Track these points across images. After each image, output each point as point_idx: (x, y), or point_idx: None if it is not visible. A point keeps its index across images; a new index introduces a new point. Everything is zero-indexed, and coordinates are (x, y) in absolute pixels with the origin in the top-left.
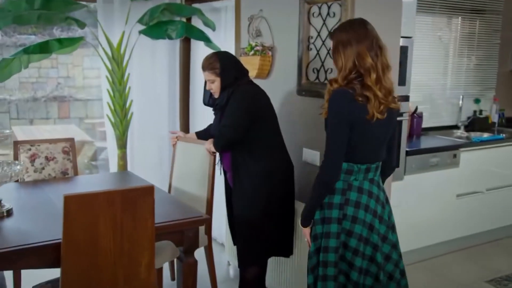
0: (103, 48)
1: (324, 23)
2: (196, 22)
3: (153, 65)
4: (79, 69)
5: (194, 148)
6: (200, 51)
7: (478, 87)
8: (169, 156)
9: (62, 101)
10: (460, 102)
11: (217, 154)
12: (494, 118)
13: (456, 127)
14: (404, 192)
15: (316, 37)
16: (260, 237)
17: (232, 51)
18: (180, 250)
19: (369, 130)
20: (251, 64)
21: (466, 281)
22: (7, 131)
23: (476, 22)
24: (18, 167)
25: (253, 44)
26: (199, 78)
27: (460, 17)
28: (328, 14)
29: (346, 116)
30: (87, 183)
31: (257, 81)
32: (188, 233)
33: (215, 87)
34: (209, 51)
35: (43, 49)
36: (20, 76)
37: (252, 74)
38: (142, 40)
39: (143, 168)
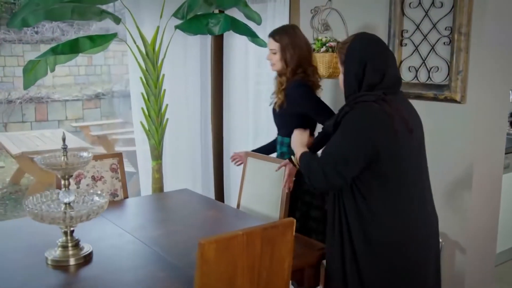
0: (137, 46)
1: (426, 14)
2: (234, 15)
3: (185, 64)
4: None
5: (266, 166)
6: (235, 48)
7: None
8: (201, 164)
9: (39, 103)
10: None
11: None
12: None
13: None
14: None
15: (414, 31)
16: None
17: None
18: None
19: None
20: (322, 62)
21: None
22: None
23: None
24: (102, 199)
25: (324, 39)
26: (233, 78)
27: None
28: (433, 3)
29: None
30: (160, 209)
31: (329, 82)
32: (309, 271)
33: (340, 82)
34: (249, 47)
35: (74, 48)
36: None
37: (324, 73)
38: (174, 37)
39: (176, 181)
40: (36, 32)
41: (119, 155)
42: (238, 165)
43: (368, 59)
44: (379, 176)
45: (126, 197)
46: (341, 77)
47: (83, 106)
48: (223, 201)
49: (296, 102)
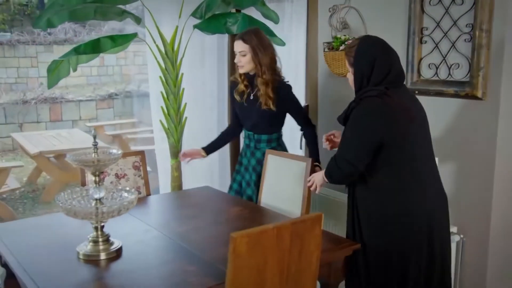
0: (157, 46)
1: (446, 12)
2: (252, 14)
3: (202, 63)
4: None
5: (286, 163)
6: None
7: None
8: (219, 162)
9: (54, 103)
10: None
11: None
12: None
13: None
14: None
15: (434, 29)
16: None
17: (300, 45)
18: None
19: None
20: (340, 61)
21: None
22: None
23: None
24: (131, 195)
25: (343, 38)
26: None
27: None
28: (453, 1)
29: None
30: (184, 206)
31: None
32: (336, 265)
33: (350, 82)
34: None
35: (96, 48)
36: None
37: (342, 71)
38: (192, 36)
39: (194, 179)
40: (49, 33)
41: (141, 153)
42: (188, 162)
43: (376, 59)
44: (384, 161)
45: (148, 194)
46: (350, 77)
47: (97, 106)
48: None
49: (288, 102)
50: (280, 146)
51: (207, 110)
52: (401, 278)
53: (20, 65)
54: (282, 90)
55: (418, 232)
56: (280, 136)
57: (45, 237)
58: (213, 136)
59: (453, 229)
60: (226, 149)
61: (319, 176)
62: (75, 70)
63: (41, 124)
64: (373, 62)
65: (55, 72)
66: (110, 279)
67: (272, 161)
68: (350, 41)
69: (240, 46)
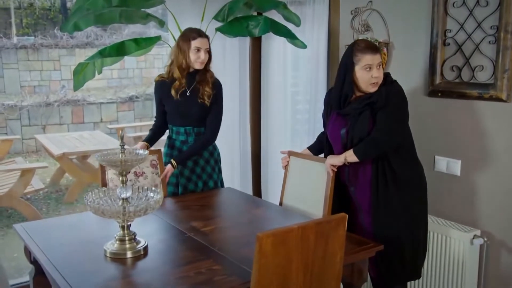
0: None
1: (471, 14)
2: (273, 17)
3: (224, 66)
4: None
5: (309, 165)
6: (273, 50)
7: None
8: (240, 165)
9: (76, 105)
10: None
11: None
12: None
13: None
14: None
15: (458, 31)
16: (405, 259)
17: (321, 48)
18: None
19: None
20: None
21: None
22: None
23: None
24: (157, 195)
25: None
26: (271, 79)
27: None
28: (477, 2)
29: None
30: (205, 206)
31: None
32: (358, 267)
33: (381, 74)
34: (287, 49)
35: (120, 51)
36: (21, 79)
37: None
38: (213, 39)
39: None
40: (71, 37)
41: (158, 152)
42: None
43: None
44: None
45: (165, 192)
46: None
47: (117, 109)
48: (260, 196)
49: (220, 97)
50: None
51: (228, 112)
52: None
53: (43, 68)
54: (218, 84)
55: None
56: None
57: (71, 236)
58: (234, 138)
59: (476, 232)
60: (247, 151)
61: (335, 160)
62: (100, 72)
63: (63, 126)
64: None
65: (81, 74)
66: (137, 277)
67: (294, 162)
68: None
69: (206, 43)
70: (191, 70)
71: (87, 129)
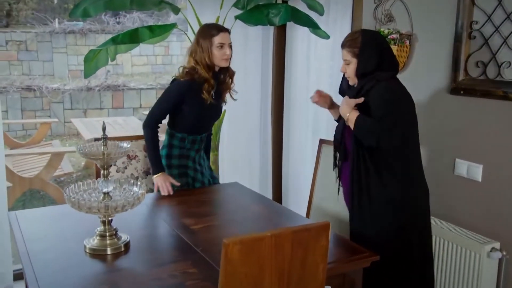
0: None
1: (500, 3)
2: (297, 6)
3: (245, 56)
4: (127, 56)
5: None
6: (298, 40)
7: None
8: (260, 159)
9: (116, 90)
10: None
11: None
12: None
13: None
14: None
15: (485, 23)
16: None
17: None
18: None
19: None
20: None
21: None
22: None
23: None
24: (140, 190)
25: (386, 31)
26: (295, 71)
27: None
28: None
29: None
30: (205, 202)
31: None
32: (350, 276)
33: (350, 71)
34: (311, 39)
35: (133, 38)
36: (69, 63)
37: None
38: (234, 28)
39: (233, 175)
40: (118, 23)
41: None
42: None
43: (383, 48)
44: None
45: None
46: (349, 68)
47: (156, 95)
48: (281, 197)
49: None
50: None
51: (249, 103)
52: None
53: None
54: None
55: None
56: None
57: (61, 226)
58: (255, 130)
59: (495, 244)
60: (268, 144)
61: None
62: (113, 59)
63: (104, 110)
64: (381, 51)
65: (93, 61)
66: (113, 274)
67: (326, 152)
68: (393, 35)
69: (228, 37)
70: (216, 69)
71: (126, 114)
